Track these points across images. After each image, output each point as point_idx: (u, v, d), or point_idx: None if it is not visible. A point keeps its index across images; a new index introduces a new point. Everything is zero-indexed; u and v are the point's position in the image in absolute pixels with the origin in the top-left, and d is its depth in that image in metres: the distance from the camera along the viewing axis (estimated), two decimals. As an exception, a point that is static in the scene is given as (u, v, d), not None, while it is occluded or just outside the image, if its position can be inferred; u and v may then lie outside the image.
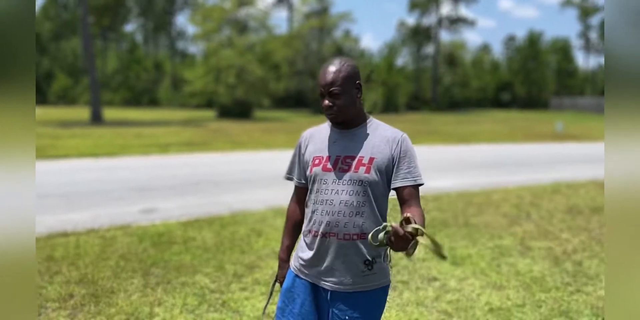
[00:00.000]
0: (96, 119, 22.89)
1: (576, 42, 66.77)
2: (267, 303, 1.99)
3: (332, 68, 1.67)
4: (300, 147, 1.83)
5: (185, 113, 32.33)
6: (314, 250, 1.71)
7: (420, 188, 1.72)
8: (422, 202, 1.73)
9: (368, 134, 1.72)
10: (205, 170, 9.30)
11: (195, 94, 31.52)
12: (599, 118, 31.33)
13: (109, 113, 27.56)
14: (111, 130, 18.28)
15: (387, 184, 1.70)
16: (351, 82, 1.68)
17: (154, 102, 45.25)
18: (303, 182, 1.82)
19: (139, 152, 11.95)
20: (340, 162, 1.69)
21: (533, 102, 48.81)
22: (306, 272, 1.75)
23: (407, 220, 1.37)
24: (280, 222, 5.30)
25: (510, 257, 4.26)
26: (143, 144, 13.72)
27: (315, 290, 1.74)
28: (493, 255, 4.31)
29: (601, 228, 5.24)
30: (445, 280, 3.72)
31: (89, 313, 3.11)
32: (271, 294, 1.97)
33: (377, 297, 1.72)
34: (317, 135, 1.80)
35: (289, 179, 1.88)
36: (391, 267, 1.77)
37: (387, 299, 1.79)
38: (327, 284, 1.71)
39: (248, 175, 8.83)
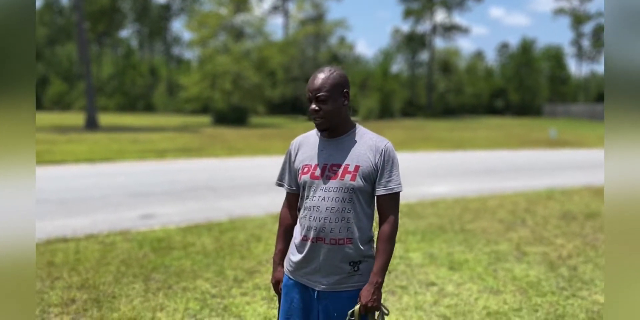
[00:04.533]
0: (91, 124, 22.85)
1: (569, 50, 67.47)
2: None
3: (321, 75, 1.75)
4: (290, 154, 1.90)
5: (180, 119, 32.33)
6: (303, 253, 1.81)
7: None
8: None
9: (354, 142, 1.80)
10: (203, 176, 9.33)
11: (191, 100, 31.51)
12: (591, 125, 31.65)
13: (104, 118, 27.52)
14: (107, 135, 18.27)
15: (372, 190, 1.79)
16: (338, 89, 1.75)
17: (149, 108, 45.18)
18: (294, 188, 1.90)
19: (136, 157, 11.96)
20: (327, 170, 1.77)
21: (527, 108, 49.18)
22: (296, 273, 1.85)
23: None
24: (279, 228, 5.34)
25: (507, 262, 4.32)
26: (139, 149, 13.73)
27: (304, 290, 1.84)
28: (490, 260, 4.38)
29: (595, 233, 5.32)
30: (443, 285, 3.77)
31: (91, 318, 3.13)
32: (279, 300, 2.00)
33: None
34: (306, 143, 1.87)
35: (280, 185, 1.95)
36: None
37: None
38: (315, 284, 1.80)
39: (246, 181, 8.86)
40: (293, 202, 1.92)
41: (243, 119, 28.36)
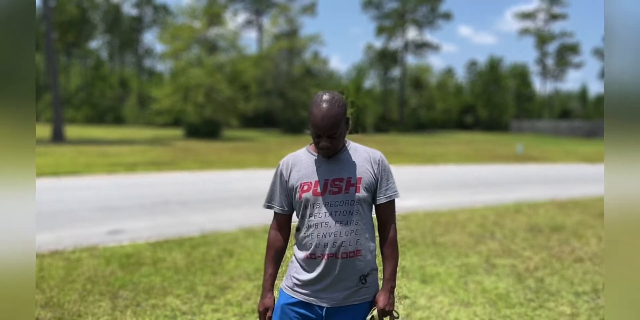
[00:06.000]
0: (58, 136, 22.23)
1: (533, 68, 70.04)
2: None
3: (330, 112, 1.70)
4: (281, 175, 1.86)
5: (151, 132, 31.82)
6: (314, 271, 1.78)
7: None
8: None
9: (350, 156, 1.84)
10: (174, 190, 9.17)
11: (162, 113, 31.13)
12: (556, 141, 32.85)
13: (72, 131, 26.82)
14: (74, 148, 17.78)
15: (372, 200, 1.86)
16: (344, 120, 1.77)
17: (118, 120, 44.34)
18: (286, 209, 1.87)
19: (104, 171, 11.67)
20: (330, 185, 1.79)
21: (494, 124, 50.68)
22: (301, 291, 1.81)
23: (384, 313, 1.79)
24: (252, 242, 5.29)
25: (477, 275, 4.40)
26: (108, 162, 13.41)
27: (308, 308, 1.80)
28: (460, 273, 4.44)
29: (560, 246, 5.48)
30: (415, 298, 3.80)
31: (55, 338, 3.01)
32: None
33: (369, 309, 1.83)
34: (299, 162, 1.86)
35: (270, 207, 1.90)
36: None
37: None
38: (324, 300, 1.78)
39: (218, 195, 8.76)
40: (283, 224, 1.89)
41: (216, 132, 28.15)
